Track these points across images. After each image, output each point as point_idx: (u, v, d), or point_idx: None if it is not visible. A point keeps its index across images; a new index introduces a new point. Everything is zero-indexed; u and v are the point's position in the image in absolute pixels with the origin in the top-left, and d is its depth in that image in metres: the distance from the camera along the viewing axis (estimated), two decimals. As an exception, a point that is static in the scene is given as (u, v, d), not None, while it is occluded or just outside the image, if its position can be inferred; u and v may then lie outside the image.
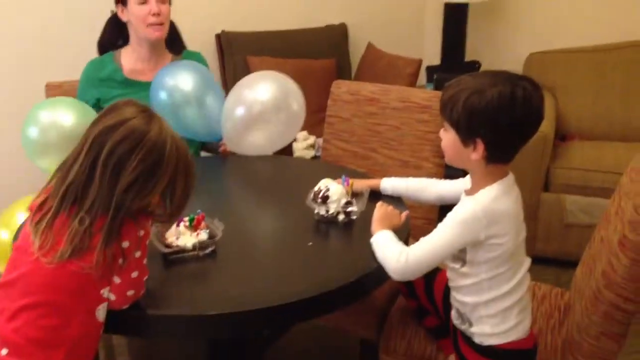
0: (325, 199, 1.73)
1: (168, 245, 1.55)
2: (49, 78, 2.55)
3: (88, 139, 1.28)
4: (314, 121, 3.12)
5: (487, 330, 1.55)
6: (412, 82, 3.43)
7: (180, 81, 2.25)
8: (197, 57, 2.47)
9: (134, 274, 1.33)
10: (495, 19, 3.98)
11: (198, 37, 2.84)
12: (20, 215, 2.02)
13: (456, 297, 1.60)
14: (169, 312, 1.38)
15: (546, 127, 3.05)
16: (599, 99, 3.47)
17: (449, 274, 1.61)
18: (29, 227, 1.30)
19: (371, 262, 1.53)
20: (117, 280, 1.31)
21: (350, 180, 1.80)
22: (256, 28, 3.63)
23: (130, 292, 1.34)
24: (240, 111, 2.23)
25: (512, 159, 1.49)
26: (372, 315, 1.96)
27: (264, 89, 2.25)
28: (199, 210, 1.61)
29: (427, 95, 2.33)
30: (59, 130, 2.04)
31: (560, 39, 3.68)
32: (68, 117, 2.06)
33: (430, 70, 3.80)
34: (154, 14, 2.26)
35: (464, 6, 3.74)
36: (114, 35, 2.41)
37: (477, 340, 1.57)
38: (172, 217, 1.40)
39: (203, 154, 2.54)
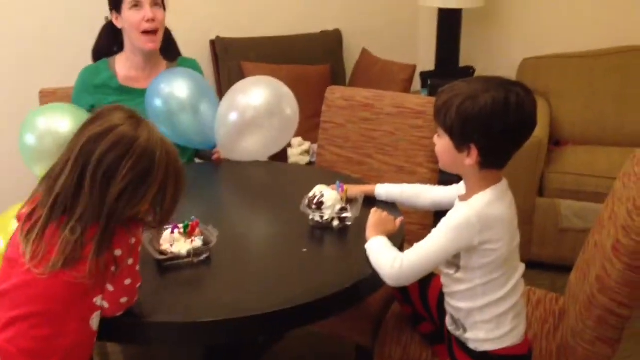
0: (319, 205, 1.73)
1: (162, 252, 1.55)
2: (43, 84, 2.54)
3: (75, 148, 1.26)
4: (309, 127, 3.12)
5: (481, 336, 1.55)
6: (407, 88, 3.43)
7: (175, 88, 2.25)
8: (192, 64, 2.47)
9: (127, 282, 1.32)
10: (489, 24, 4.00)
11: (192, 42, 2.84)
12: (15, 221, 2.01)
13: (450, 302, 1.60)
14: (164, 319, 1.38)
15: (540, 132, 3.06)
16: (592, 104, 3.48)
17: (443, 280, 1.61)
18: (18, 237, 1.28)
19: (366, 268, 1.53)
20: (110, 288, 1.30)
21: (345, 186, 1.80)
22: (251, 34, 3.63)
23: (123, 300, 1.33)
24: (233, 117, 2.23)
25: (506, 164, 1.50)
26: (368, 321, 1.96)
27: (257, 94, 2.25)
28: (193, 217, 1.61)
29: (421, 101, 2.34)
30: (55, 137, 2.03)
31: (554, 44, 3.69)
32: (64, 124, 2.06)
33: (425, 76, 3.80)
34: (148, 20, 2.25)
35: (458, 12, 3.75)
36: (109, 42, 2.41)
37: (471, 346, 1.57)
38: (163, 223, 1.39)
39: (197, 161, 2.53)
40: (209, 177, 2.29)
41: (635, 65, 3.44)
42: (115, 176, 1.24)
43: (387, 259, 1.50)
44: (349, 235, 1.73)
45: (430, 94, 3.49)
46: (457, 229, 1.46)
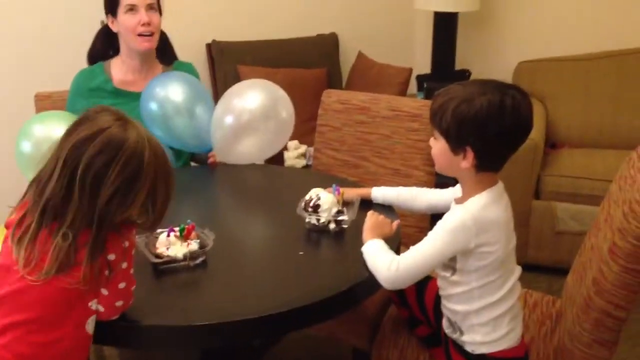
0: (316, 208, 1.73)
1: (158, 256, 1.55)
2: (39, 88, 2.54)
3: (62, 152, 1.24)
4: (305, 130, 3.12)
5: (478, 338, 1.55)
6: (403, 91, 3.44)
7: (170, 92, 2.24)
8: (188, 68, 2.46)
9: (122, 285, 1.31)
10: (484, 28, 4.00)
11: (188, 46, 2.84)
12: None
13: (447, 305, 1.60)
14: (160, 322, 1.38)
15: (536, 135, 3.06)
16: (588, 107, 3.49)
17: (439, 283, 1.61)
18: (9, 243, 1.26)
19: (363, 271, 1.53)
20: (104, 292, 1.30)
21: (341, 189, 1.80)
22: (247, 37, 3.63)
23: (118, 303, 1.33)
24: (229, 120, 2.23)
25: (502, 167, 1.50)
26: (364, 324, 1.95)
27: (253, 98, 2.25)
28: (189, 220, 1.61)
29: (417, 104, 2.34)
30: (52, 144, 2.03)
31: (550, 47, 3.70)
32: (61, 132, 2.05)
33: (421, 79, 3.81)
34: (143, 24, 2.25)
35: (454, 15, 3.76)
36: (105, 46, 2.40)
37: (468, 348, 1.57)
38: (155, 224, 1.37)
39: (193, 164, 2.53)
40: (205, 180, 2.29)
41: (630, 68, 3.45)
42: (105, 180, 1.23)
43: (383, 262, 1.50)
44: (345, 238, 1.73)
45: (427, 97, 3.49)
46: (453, 232, 1.46)
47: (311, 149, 2.85)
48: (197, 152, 2.41)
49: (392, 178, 2.31)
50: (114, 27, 2.32)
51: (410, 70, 3.49)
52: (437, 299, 1.66)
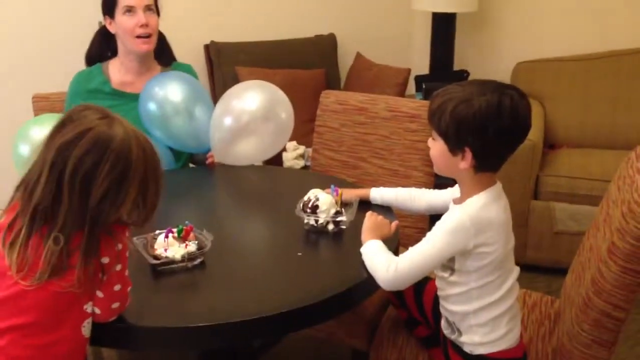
0: (314, 208, 1.73)
1: (157, 257, 1.54)
2: (37, 89, 2.53)
3: (48, 155, 1.22)
4: (304, 131, 3.12)
5: (476, 339, 1.54)
6: (401, 92, 3.44)
7: (169, 92, 2.24)
8: (187, 69, 2.46)
9: (117, 288, 1.31)
10: (482, 28, 4.01)
11: (186, 47, 2.84)
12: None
13: (445, 306, 1.60)
14: (158, 323, 1.37)
15: (535, 135, 3.06)
16: (586, 108, 3.49)
17: (437, 283, 1.61)
18: (1, 248, 1.24)
19: (361, 272, 1.53)
20: (100, 294, 1.29)
21: (340, 190, 1.80)
22: (245, 38, 3.63)
23: (115, 305, 1.32)
24: (228, 121, 2.23)
25: (500, 167, 1.50)
26: (363, 324, 1.95)
27: (252, 99, 2.24)
28: (187, 222, 1.60)
29: (415, 105, 2.34)
30: None
31: (548, 48, 3.70)
32: None
33: (419, 79, 3.81)
34: (141, 26, 2.25)
35: (452, 16, 3.76)
36: (102, 47, 2.40)
37: (467, 349, 1.56)
38: (147, 220, 1.34)
39: (191, 165, 2.53)
40: (203, 181, 2.29)
41: (628, 69, 3.46)
42: (95, 180, 1.21)
43: (382, 263, 1.50)
44: (344, 239, 1.73)
45: (425, 98, 3.49)
46: (451, 232, 1.46)
47: (309, 150, 2.85)
48: (196, 152, 2.41)
49: (390, 179, 2.31)
50: (112, 29, 2.31)
51: (408, 71, 3.49)
52: (436, 300, 1.66)
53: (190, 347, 1.50)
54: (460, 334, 1.57)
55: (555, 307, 1.89)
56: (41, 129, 2.08)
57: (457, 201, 1.54)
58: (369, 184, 2.14)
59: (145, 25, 2.25)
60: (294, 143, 3.26)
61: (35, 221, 1.22)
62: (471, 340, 1.55)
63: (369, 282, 1.52)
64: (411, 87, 3.72)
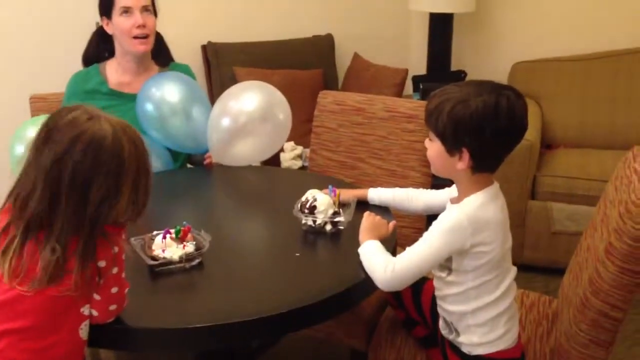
0: (312, 209, 1.73)
1: (154, 258, 1.54)
2: (34, 90, 2.53)
3: (40, 164, 1.20)
4: (302, 132, 3.12)
5: (474, 339, 1.55)
6: (399, 92, 3.44)
7: (166, 93, 2.24)
8: (184, 70, 2.46)
9: (114, 290, 1.30)
10: (480, 29, 4.01)
11: (184, 48, 2.84)
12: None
13: (443, 306, 1.60)
14: (156, 324, 1.37)
15: (532, 135, 3.07)
16: (583, 108, 3.50)
17: (435, 283, 1.61)
18: None
19: (359, 273, 1.53)
20: (97, 297, 1.29)
21: (337, 191, 1.80)
22: (243, 39, 3.63)
23: (112, 307, 1.32)
24: (226, 122, 2.23)
25: (497, 167, 1.50)
26: (361, 325, 1.95)
27: (250, 100, 2.24)
28: (185, 222, 1.60)
29: (413, 105, 2.34)
30: None
31: (545, 48, 3.70)
32: None
33: (416, 80, 3.81)
34: (138, 26, 2.24)
35: (449, 17, 3.76)
36: (100, 48, 2.40)
37: (465, 350, 1.57)
38: (140, 214, 1.33)
39: (189, 166, 2.53)
40: (201, 182, 2.29)
41: (626, 69, 3.46)
42: (93, 184, 1.21)
43: (379, 264, 1.50)
44: (341, 240, 1.73)
45: (423, 98, 3.49)
46: (448, 232, 1.46)
47: (307, 150, 2.85)
48: (194, 153, 2.41)
49: (388, 179, 2.31)
50: (109, 30, 2.31)
51: (406, 71, 3.49)
52: (434, 300, 1.66)
53: (188, 348, 1.50)
54: (458, 334, 1.57)
55: (553, 308, 1.89)
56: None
57: (455, 201, 1.54)
58: (366, 184, 2.14)
59: (143, 26, 2.25)
60: (292, 143, 3.26)
61: (30, 230, 1.21)
62: (469, 340, 1.55)
63: (367, 283, 1.52)
64: (408, 88, 3.73)
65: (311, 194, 1.76)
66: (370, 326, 1.94)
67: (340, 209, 1.77)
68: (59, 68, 2.55)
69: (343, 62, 3.90)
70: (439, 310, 1.62)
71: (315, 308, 1.43)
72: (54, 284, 1.21)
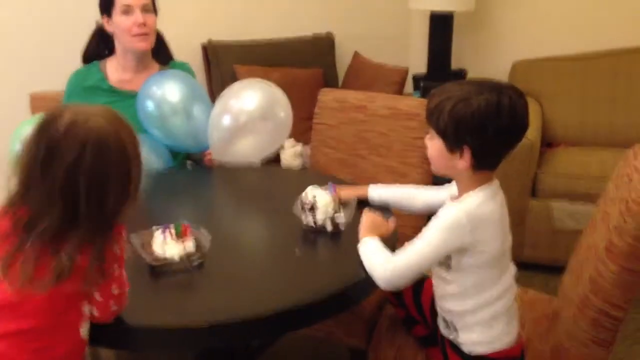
0: (312, 207, 1.72)
1: (155, 257, 1.54)
2: (34, 88, 2.53)
3: (51, 182, 1.18)
4: (302, 129, 3.12)
5: (474, 338, 1.54)
6: (399, 91, 3.44)
7: (167, 91, 2.24)
8: (184, 68, 2.46)
9: (115, 290, 1.30)
10: (480, 27, 4.01)
11: (184, 46, 2.83)
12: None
13: (442, 305, 1.59)
14: (156, 323, 1.37)
15: (532, 134, 3.07)
16: (584, 106, 3.50)
17: (434, 281, 1.60)
18: None
19: (360, 271, 1.53)
20: (98, 297, 1.28)
21: (338, 189, 1.80)
22: (243, 37, 3.63)
23: (113, 307, 1.32)
24: (226, 121, 2.22)
25: (498, 166, 1.50)
26: (361, 323, 1.95)
27: (250, 98, 2.24)
28: (185, 221, 1.60)
29: (413, 103, 2.33)
30: None
31: (545, 47, 3.70)
32: None
33: (417, 79, 3.81)
34: (139, 25, 2.24)
35: (450, 15, 3.76)
36: (100, 46, 2.40)
37: (465, 349, 1.56)
38: (135, 201, 1.30)
39: (188, 163, 2.52)
40: (201, 180, 2.28)
41: (626, 67, 3.46)
42: (108, 186, 1.21)
43: (379, 262, 1.50)
44: (342, 238, 1.72)
45: (423, 97, 3.49)
46: (447, 229, 1.46)
47: (307, 148, 2.84)
48: (194, 151, 2.41)
49: (388, 177, 2.31)
50: (110, 28, 2.31)
51: (406, 70, 3.49)
52: (434, 299, 1.65)
53: (188, 347, 1.50)
54: (457, 333, 1.57)
55: (553, 306, 1.89)
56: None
57: (455, 198, 1.54)
58: (367, 181, 2.13)
59: (143, 25, 2.25)
60: (292, 141, 3.26)
61: (43, 244, 1.20)
62: (469, 339, 1.55)
63: (368, 282, 1.51)
64: (409, 87, 3.72)
65: (311, 192, 1.76)
66: (370, 325, 1.94)
67: (340, 207, 1.76)
68: (58, 66, 2.55)
69: (343, 60, 3.90)
70: (438, 309, 1.62)
71: (315, 307, 1.43)
72: (59, 284, 1.20)
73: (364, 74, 3.65)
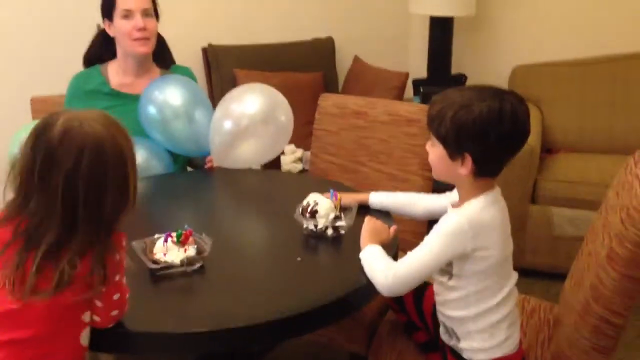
0: (313, 213, 1.72)
1: (156, 261, 1.54)
2: (35, 92, 2.53)
3: (51, 191, 1.18)
4: (302, 134, 3.12)
5: (475, 345, 1.54)
6: (399, 95, 3.44)
7: (169, 96, 2.24)
8: (185, 72, 2.46)
9: (116, 297, 1.30)
10: (480, 32, 4.01)
11: (184, 50, 2.84)
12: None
13: (443, 311, 1.59)
14: (157, 328, 1.37)
15: (532, 139, 3.06)
16: (583, 112, 3.50)
17: (435, 288, 1.60)
18: None
19: (361, 278, 1.53)
20: (99, 304, 1.28)
21: (339, 195, 1.80)
22: (243, 41, 3.63)
23: (114, 313, 1.32)
24: (228, 125, 2.22)
25: (500, 172, 1.50)
26: (362, 329, 1.95)
27: (252, 102, 2.24)
28: (186, 226, 1.60)
29: (414, 109, 2.34)
30: None
31: (545, 52, 3.71)
32: None
33: (417, 83, 3.81)
34: (139, 29, 2.25)
35: (450, 20, 3.76)
36: (102, 49, 2.40)
37: (466, 356, 1.56)
38: (134, 205, 1.30)
39: (189, 169, 2.52)
40: (202, 185, 2.28)
41: (625, 73, 3.46)
42: (106, 191, 1.21)
43: (380, 269, 1.50)
44: (343, 244, 1.72)
45: (423, 102, 3.49)
46: (449, 235, 1.46)
47: (307, 153, 2.84)
48: (196, 156, 2.41)
49: (389, 183, 2.31)
50: (111, 32, 2.31)
51: (406, 75, 3.49)
52: (435, 305, 1.65)
53: (188, 351, 1.49)
54: (458, 340, 1.57)
55: (554, 313, 1.89)
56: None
57: (456, 205, 1.54)
58: (367, 188, 2.13)
59: (143, 29, 2.25)
60: (292, 146, 3.26)
61: (42, 252, 1.19)
62: (470, 346, 1.55)
63: (369, 288, 1.51)
64: (409, 91, 3.72)
65: (312, 198, 1.76)
66: (370, 331, 1.93)
67: (342, 214, 1.76)
68: (59, 70, 2.55)
69: (343, 65, 3.90)
70: (439, 315, 1.62)
71: (316, 313, 1.42)
72: (60, 292, 1.20)
73: (364, 78, 3.65)
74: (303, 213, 1.74)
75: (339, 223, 1.73)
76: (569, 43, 3.70)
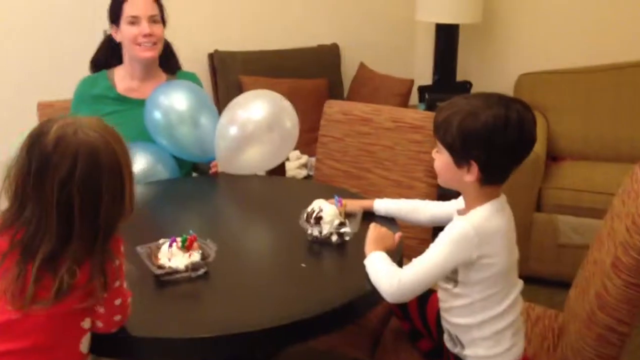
0: (318, 219, 1.72)
1: (160, 267, 1.54)
2: (41, 97, 2.53)
3: (46, 198, 1.17)
4: (307, 140, 3.12)
5: (480, 353, 1.54)
6: (404, 102, 3.44)
7: (174, 101, 2.24)
8: (192, 78, 2.47)
9: (117, 302, 1.29)
10: (486, 40, 4.01)
11: (190, 56, 2.84)
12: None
13: (447, 319, 1.59)
14: (160, 334, 1.37)
15: (538, 147, 3.04)
16: (589, 120, 3.49)
17: (440, 295, 1.60)
18: None
19: (365, 284, 1.52)
20: (101, 310, 1.28)
21: (344, 201, 1.80)
22: (249, 48, 3.64)
23: (117, 318, 1.32)
24: (233, 131, 2.23)
25: (506, 180, 1.50)
26: (366, 336, 1.95)
27: (258, 108, 2.25)
28: (191, 231, 1.60)
29: (419, 116, 2.34)
30: None
31: (550, 60, 3.70)
32: None
33: (422, 90, 3.81)
34: (145, 35, 2.26)
35: (455, 27, 3.76)
36: (109, 54, 2.41)
37: (470, 363, 1.56)
38: (131, 211, 1.29)
39: (194, 174, 2.53)
40: (207, 191, 2.28)
41: (631, 81, 3.46)
42: (101, 197, 1.20)
43: (385, 276, 1.49)
44: (347, 251, 1.72)
45: (428, 109, 3.50)
46: (455, 243, 1.46)
47: (312, 159, 2.85)
48: (200, 162, 2.41)
49: (394, 190, 2.31)
50: (117, 37, 2.32)
51: (411, 82, 3.49)
52: (440, 312, 1.65)
53: (191, 357, 1.49)
54: (463, 347, 1.57)
55: (559, 321, 1.88)
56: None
57: (462, 212, 1.53)
58: (372, 194, 2.13)
59: (149, 35, 2.26)
60: (297, 152, 3.26)
61: (40, 262, 1.19)
62: (475, 353, 1.54)
63: (373, 294, 1.51)
64: (414, 98, 3.73)
65: (317, 204, 1.76)
66: (374, 337, 1.93)
67: (347, 220, 1.76)
68: (66, 75, 2.55)
69: (349, 71, 3.91)
70: (443, 323, 1.61)
71: (320, 319, 1.42)
72: (60, 301, 1.19)
73: (369, 85, 3.65)
74: (308, 219, 1.74)
75: (343, 229, 1.73)
76: (574, 51, 3.70)
